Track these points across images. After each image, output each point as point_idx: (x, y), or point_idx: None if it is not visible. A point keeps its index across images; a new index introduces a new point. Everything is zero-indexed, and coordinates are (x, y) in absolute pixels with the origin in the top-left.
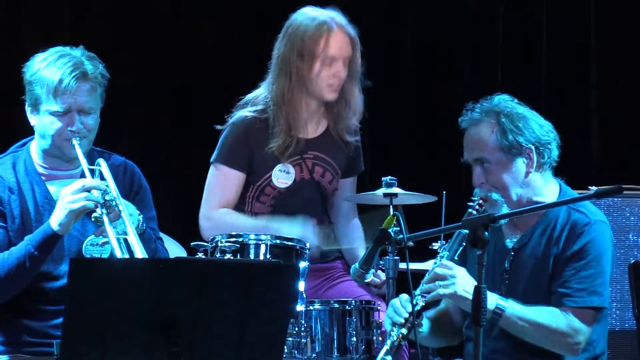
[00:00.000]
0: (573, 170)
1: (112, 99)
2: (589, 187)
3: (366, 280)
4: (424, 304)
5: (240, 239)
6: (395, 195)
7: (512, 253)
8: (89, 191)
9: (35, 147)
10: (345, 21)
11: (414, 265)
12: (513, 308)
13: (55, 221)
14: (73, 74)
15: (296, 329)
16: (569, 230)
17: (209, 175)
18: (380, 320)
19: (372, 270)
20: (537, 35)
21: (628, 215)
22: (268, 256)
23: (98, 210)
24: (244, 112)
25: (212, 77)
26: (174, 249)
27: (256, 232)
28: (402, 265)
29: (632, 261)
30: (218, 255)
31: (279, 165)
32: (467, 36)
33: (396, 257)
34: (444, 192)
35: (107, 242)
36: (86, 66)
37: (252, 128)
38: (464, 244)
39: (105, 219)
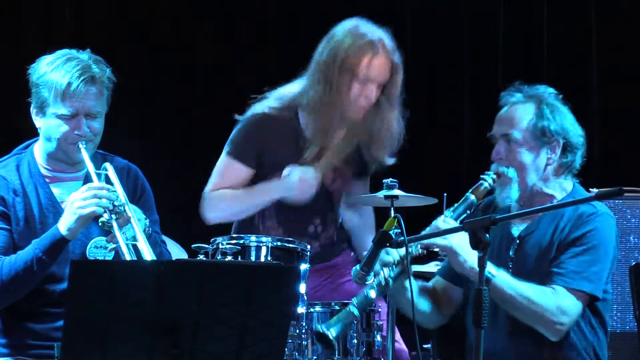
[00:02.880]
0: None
1: (112, 100)
2: (590, 189)
3: (367, 283)
4: (417, 253)
5: (241, 241)
6: (396, 197)
7: (517, 241)
8: (98, 197)
9: (39, 150)
10: (393, 45)
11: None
12: (503, 278)
13: (64, 226)
14: (81, 78)
15: (297, 331)
16: (575, 219)
17: (219, 159)
18: (381, 322)
19: (373, 273)
20: (537, 36)
21: (629, 217)
22: (269, 258)
23: (106, 215)
24: (260, 107)
25: (214, 77)
26: (175, 251)
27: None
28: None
29: (633, 263)
30: (219, 257)
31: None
32: (468, 38)
33: None
34: (445, 194)
35: (115, 248)
36: (94, 70)
37: (265, 124)
38: (469, 212)
39: (115, 225)
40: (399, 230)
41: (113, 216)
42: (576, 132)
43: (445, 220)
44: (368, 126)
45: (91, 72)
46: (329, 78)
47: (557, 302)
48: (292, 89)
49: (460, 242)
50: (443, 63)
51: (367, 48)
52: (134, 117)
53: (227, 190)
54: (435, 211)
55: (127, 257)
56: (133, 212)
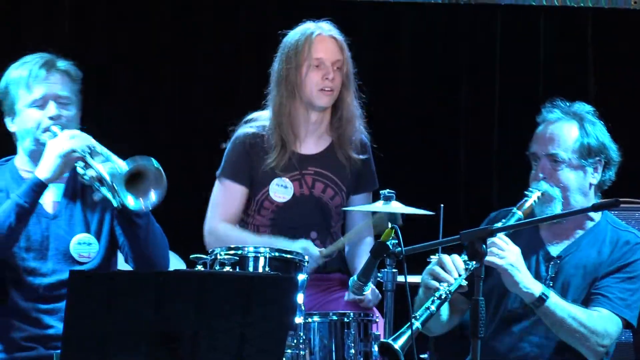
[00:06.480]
0: None
1: (110, 107)
2: None
3: (365, 292)
4: (471, 269)
5: (240, 252)
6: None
7: (558, 261)
8: (73, 137)
9: (20, 157)
10: (333, 27)
11: (412, 278)
12: (555, 300)
13: (42, 170)
14: (40, 64)
15: (295, 341)
16: (621, 245)
17: (213, 189)
18: (378, 333)
19: (370, 283)
20: (533, 47)
21: None
22: (267, 269)
23: (80, 169)
24: (246, 128)
25: (213, 88)
26: (174, 262)
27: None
28: (400, 278)
29: None
30: (217, 267)
31: (276, 179)
32: (465, 51)
33: (394, 270)
34: (442, 205)
35: (102, 196)
36: (54, 59)
37: (252, 142)
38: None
39: (89, 158)
40: (397, 241)
41: (88, 152)
42: (614, 148)
43: (500, 236)
44: (332, 118)
45: (51, 60)
46: (281, 80)
47: (604, 325)
48: (265, 113)
49: (516, 263)
50: (440, 75)
51: (308, 34)
52: (134, 127)
53: (240, 232)
54: (431, 221)
55: (108, 179)
56: (108, 151)
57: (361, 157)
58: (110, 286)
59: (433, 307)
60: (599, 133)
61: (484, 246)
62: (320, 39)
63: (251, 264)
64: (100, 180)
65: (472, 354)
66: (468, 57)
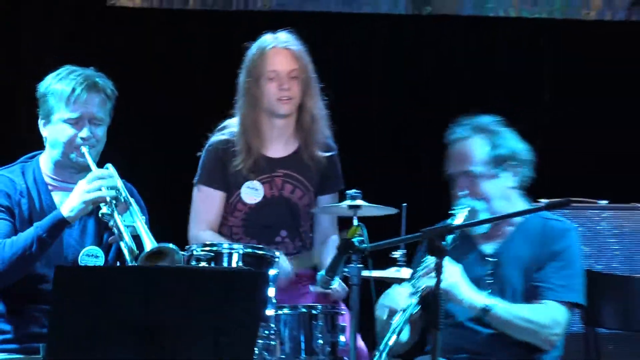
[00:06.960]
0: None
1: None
2: (538, 200)
3: (331, 287)
4: (419, 299)
5: (215, 248)
6: (359, 207)
7: (495, 259)
8: (102, 182)
9: (45, 160)
10: (289, 37)
11: (376, 273)
12: (500, 306)
13: (67, 208)
14: (84, 84)
15: (266, 332)
16: (550, 232)
17: (192, 197)
18: (344, 324)
19: (337, 278)
20: (491, 56)
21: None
22: (240, 264)
23: (105, 209)
24: (218, 136)
25: (212, 87)
26: None
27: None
28: (366, 273)
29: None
30: (193, 263)
31: (247, 182)
32: (431, 54)
33: (360, 265)
34: (404, 204)
35: (116, 239)
36: (97, 79)
37: (224, 148)
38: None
39: (115, 211)
40: (362, 238)
41: (113, 201)
42: (524, 150)
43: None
44: (299, 122)
45: (94, 80)
46: (244, 91)
47: (552, 315)
48: (235, 120)
49: (458, 282)
50: (406, 78)
51: (263, 48)
52: (134, 125)
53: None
54: (397, 221)
55: (126, 238)
56: (133, 201)
57: (326, 154)
58: (96, 281)
59: (391, 342)
60: (506, 140)
61: (444, 242)
62: (274, 52)
63: (225, 259)
64: (120, 233)
65: (432, 347)
66: (432, 61)
